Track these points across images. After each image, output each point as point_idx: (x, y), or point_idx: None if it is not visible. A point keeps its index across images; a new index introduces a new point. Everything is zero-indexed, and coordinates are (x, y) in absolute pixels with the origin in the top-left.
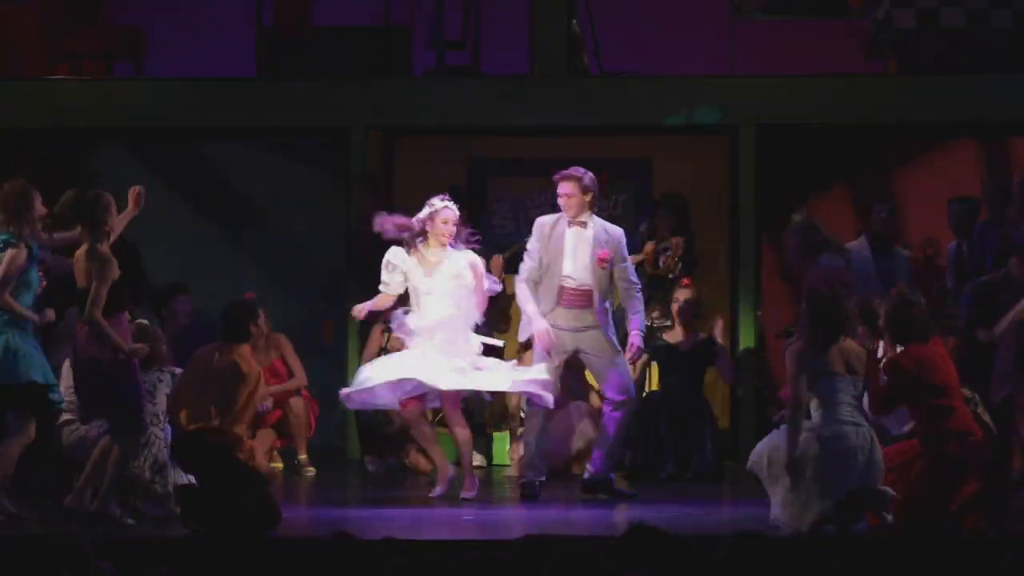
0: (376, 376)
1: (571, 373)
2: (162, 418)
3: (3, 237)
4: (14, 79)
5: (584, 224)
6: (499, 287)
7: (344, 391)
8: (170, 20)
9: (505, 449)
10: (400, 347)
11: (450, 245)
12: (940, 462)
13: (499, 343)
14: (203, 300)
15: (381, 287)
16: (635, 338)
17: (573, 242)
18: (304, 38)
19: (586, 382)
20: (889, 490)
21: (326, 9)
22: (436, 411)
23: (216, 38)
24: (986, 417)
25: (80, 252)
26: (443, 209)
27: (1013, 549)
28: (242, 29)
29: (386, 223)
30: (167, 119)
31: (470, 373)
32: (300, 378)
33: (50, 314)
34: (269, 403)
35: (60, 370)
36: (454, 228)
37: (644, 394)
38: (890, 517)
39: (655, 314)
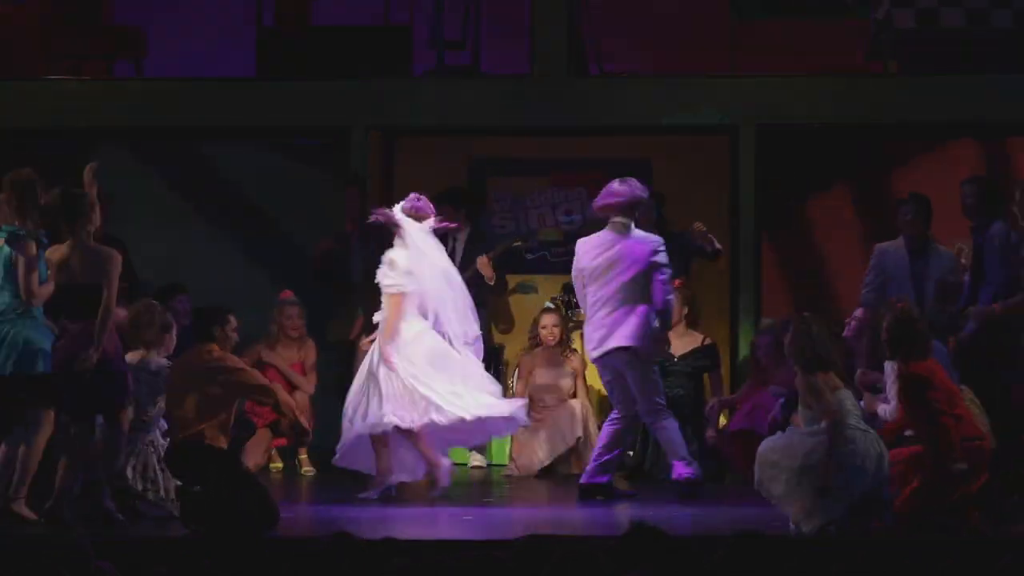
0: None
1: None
2: (147, 422)
3: (9, 229)
4: (14, 79)
5: None
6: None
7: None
8: (170, 20)
9: (505, 449)
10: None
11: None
12: (947, 476)
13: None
14: (203, 300)
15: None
16: None
17: None
18: (304, 38)
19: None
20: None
21: (326, 9)
22: None
23: (216, 38)
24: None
25: (62, 249)
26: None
27: (1013, 549)
28: (242, 29)
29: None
30: (167, 119)
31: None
32: (308, 387)
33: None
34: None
35: None
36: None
37: None
38: (890, 517)
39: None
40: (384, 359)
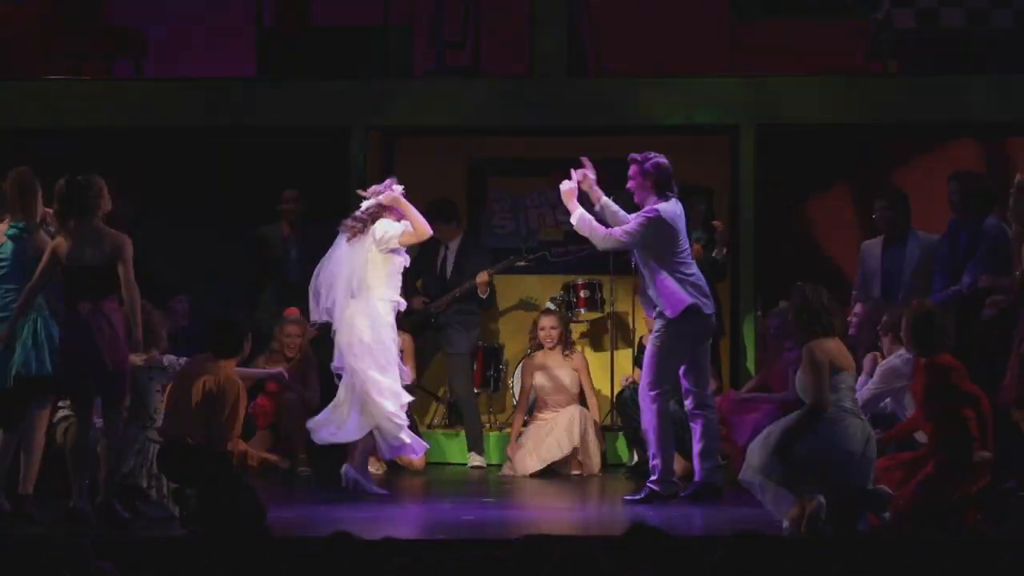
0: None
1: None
2: (155, 419)
3: (16, 225)
4: (14, 79)
5: None
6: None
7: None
8: (170, 20)
9: (504, 449)
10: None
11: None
12: (952, 467)
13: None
14: (202, 300)
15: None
16: None
17: None
18: (304, 38)
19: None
20: (888, 490)
21: (326, 9)
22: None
23: (216, 38)
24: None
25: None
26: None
27: (1013, 549)
28: (242, 29)
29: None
30: (167, 119)
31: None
32: (315, 395)
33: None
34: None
35: None
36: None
37: None
38: (889, 516)
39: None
40: None
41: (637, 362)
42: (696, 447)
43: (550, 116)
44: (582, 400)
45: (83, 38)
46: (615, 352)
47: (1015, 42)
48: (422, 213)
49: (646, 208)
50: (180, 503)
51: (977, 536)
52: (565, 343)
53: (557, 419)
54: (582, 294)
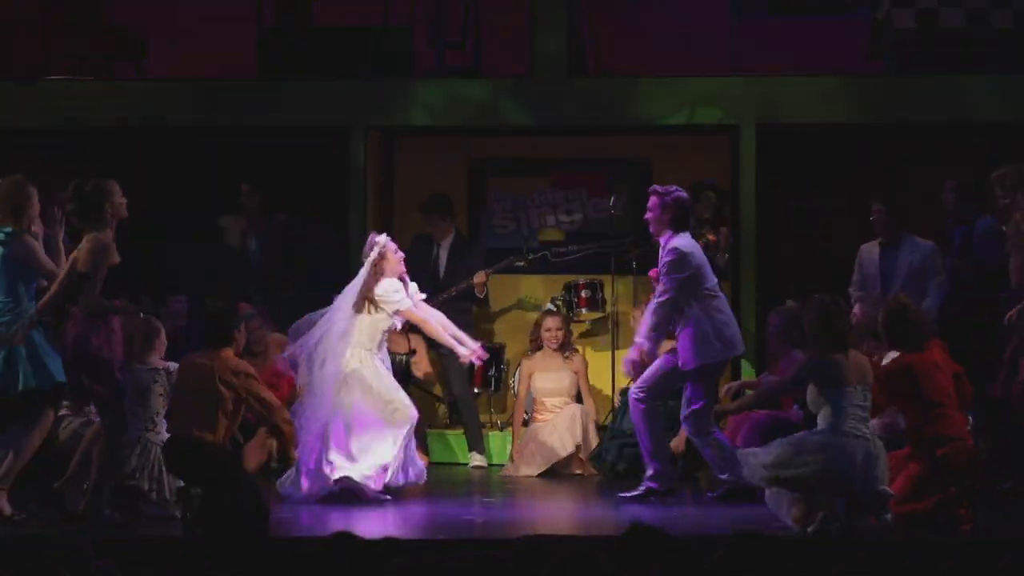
0: None
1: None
2: (157, 421)
3: (4, 230)
4: (14, 79)
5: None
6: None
7: None
8: (170, 20)
9: (505, 449)
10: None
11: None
12: (928, 464)
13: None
14: (201, 300)
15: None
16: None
17: None
18: (304, 38)
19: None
20: (889, 490)
21: (326, 9)
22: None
23: (216, 38)
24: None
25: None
26: (389, 242)
27: (1013, 549)
28: (242, 29)
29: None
30: (167, 119)
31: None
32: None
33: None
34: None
35: None
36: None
37: None
38: (890, 517)
39: None
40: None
41: None
42: (716, 463)
43: (550, 116)
44: (580, 402)
45: (83, 38)
46: (615, 352)
47: (1015, 42)
48: (419, 207)
49: (663, 252)
50: (184, 503)
51: (977, 536)
52: (566, 345)
53: (558, 419)
54: (583, 294)
